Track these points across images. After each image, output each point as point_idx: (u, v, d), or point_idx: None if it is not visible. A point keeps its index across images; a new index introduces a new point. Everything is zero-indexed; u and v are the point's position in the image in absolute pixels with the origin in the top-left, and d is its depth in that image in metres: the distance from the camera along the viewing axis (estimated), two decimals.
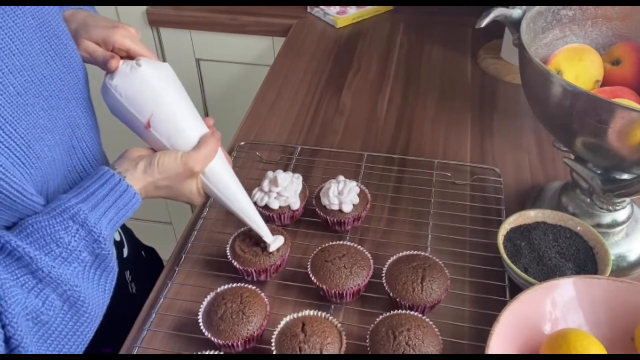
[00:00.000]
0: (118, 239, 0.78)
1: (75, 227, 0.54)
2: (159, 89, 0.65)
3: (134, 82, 0.64)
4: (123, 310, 0.76)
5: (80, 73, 0.64)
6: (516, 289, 0.67)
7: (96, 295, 0.56)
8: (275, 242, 0.71)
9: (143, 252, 0.93)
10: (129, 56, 0.67)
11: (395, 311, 0.64)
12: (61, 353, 0.53)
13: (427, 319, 0.63)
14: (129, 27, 0.68)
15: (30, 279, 0.51)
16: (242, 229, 0.75)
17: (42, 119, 0.56)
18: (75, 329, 0.54)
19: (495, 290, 0.70)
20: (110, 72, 0.65)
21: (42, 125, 0.56)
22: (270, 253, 0.71)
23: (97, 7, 0.78)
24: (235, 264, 0.71)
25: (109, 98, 0.65)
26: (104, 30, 0.67)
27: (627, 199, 0.75)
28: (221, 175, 0.67)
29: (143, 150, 0.65)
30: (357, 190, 0.78)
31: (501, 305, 0.61)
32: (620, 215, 0.76)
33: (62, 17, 0.65)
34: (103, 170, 0.59)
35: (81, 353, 0.56)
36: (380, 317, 0.64)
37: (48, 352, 0.52)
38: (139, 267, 0.85)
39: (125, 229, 0.86)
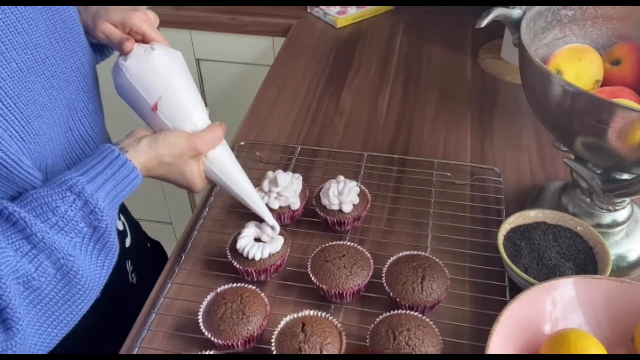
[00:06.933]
0: (121, 228, 0.79)
1: (72, 197, 0.54)
2: (169, 74, 0.66)
3: (146, 64, 0.65)
4: (122, 298, 0.77)
5: (84, 58, 0.65)
6: (516, 289, 0.67)
7: (92, 269, 0.56)
8: (275, 229, 0.73)
9: (149, 244, 0.93)
10: (143, 40, 0.69)
11: (395, 311, 0.64)
12: (51, 319, 0.54)
13: (427, 319, 0.63)
14: (148, 12, 0.70)
15: (24, 244, 0.51)
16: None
17: (42, 97, 0.57)
18: (67, 298, 0.54)
19: (495, 290, 0.70)
20: (124, 53, 0.66)
21: (42, 103, 0.57)
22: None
23: None
24: (235, 264, 0.71)
25: (120, 78, 0.66)
26: (123, 12, 0.69)
27: (627, 199, 0.75)
28: (225, 161, 0.69)
29: (148, 132, 0.66)
30: (357, 190, 0.78)
31: (501, 305, 0.61)
32: (620, 215, 0.76)
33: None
34: (104, 147, 0.60)
35: (74, 323, 0.56)
36: (380, 317, 0.64)
37: (37, 317, 0.52)
38: (142, 259, 0.86)
39: (131, 220, 0.86)
